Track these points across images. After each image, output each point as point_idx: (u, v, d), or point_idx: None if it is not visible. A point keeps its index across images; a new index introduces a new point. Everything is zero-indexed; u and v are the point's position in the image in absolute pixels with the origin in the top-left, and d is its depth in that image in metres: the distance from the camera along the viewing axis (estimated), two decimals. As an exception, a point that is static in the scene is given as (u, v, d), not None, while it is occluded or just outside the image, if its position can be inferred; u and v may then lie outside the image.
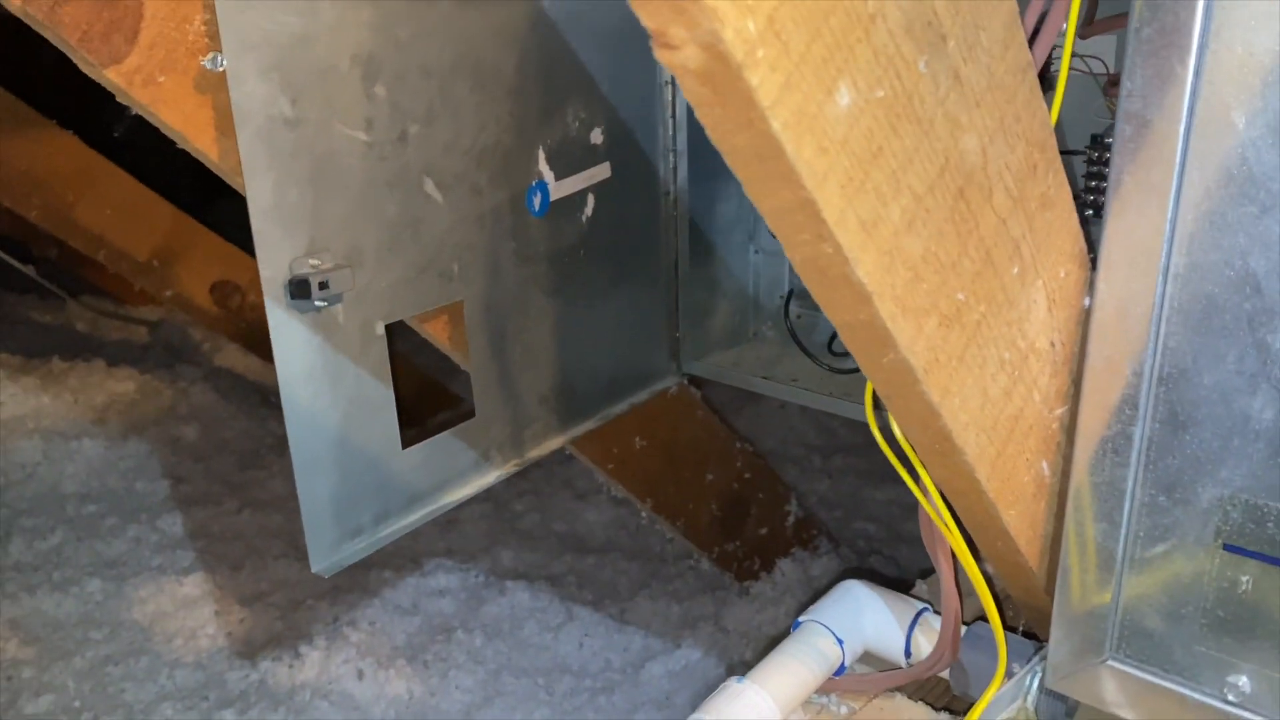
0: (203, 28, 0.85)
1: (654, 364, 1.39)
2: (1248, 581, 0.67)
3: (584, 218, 1.19)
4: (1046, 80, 0.68)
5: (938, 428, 0.62)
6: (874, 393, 0.73)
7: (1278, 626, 0.66)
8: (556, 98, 1.11)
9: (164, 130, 0.88)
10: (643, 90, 1.25)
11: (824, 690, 0.93)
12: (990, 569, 0.95)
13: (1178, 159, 0.61)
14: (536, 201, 1.11)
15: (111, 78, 0.82)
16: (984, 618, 0.85)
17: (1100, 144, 0.96)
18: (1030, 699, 0.86)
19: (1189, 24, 0.58)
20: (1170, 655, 0.71)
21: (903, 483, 0.78)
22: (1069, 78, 0.92)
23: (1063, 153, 0.68)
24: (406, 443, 1.02)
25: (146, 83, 0.84)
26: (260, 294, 0.86)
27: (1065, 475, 0.74)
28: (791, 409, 2.67)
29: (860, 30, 0.45)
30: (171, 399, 2.89)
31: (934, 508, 0.78)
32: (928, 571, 1.05)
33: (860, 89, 0.46)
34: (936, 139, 0.52)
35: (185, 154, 0.92)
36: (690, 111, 1.01)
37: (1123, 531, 0.70)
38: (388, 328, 0.97)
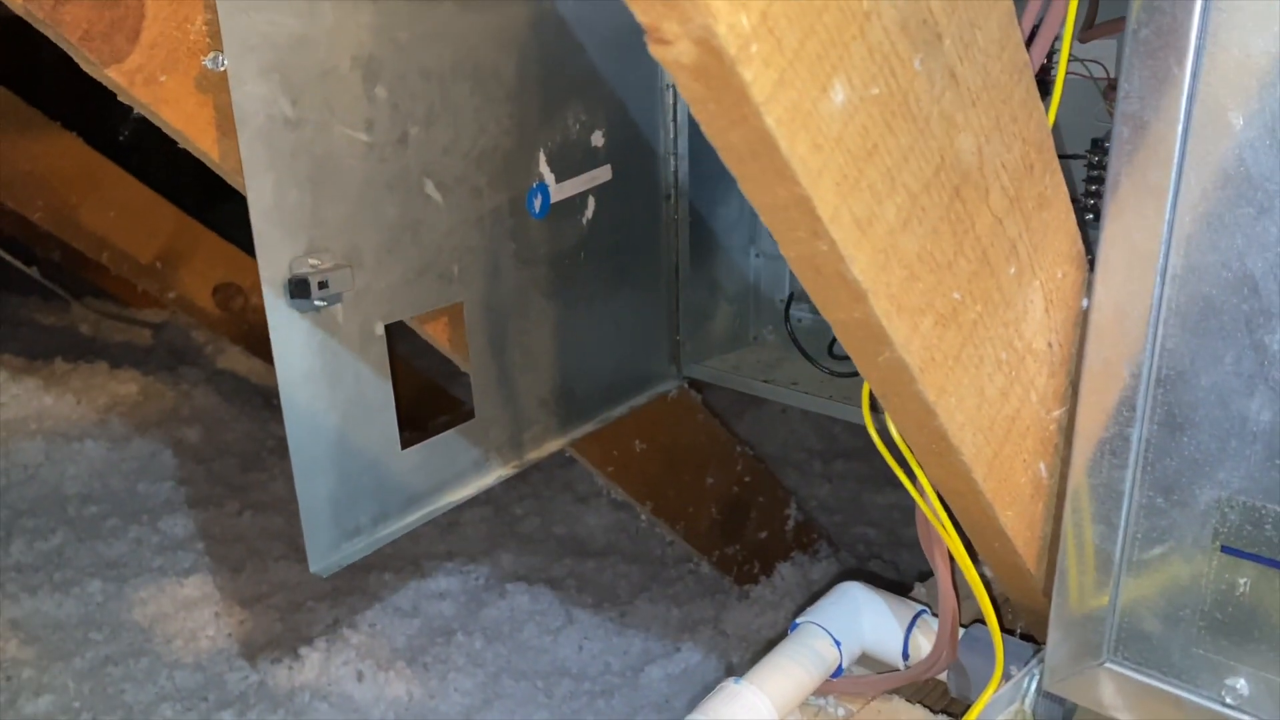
0: (204, 28, 0.85)
1: (654, 367, 1.39)
2: (1245, 584, 0.67)
3: (584, 220, 1.19)
4: (1046, 83, 0.68)
5: (934, 427, 0.62)
6: (871, 394, 0.73)
7: (1275, 629, 0.66)
8: (557, 100, 1.11)
9: (165, 130, 0.88)
10: (644, 93, 1.25)
11: (821, 692, 0.93)
12: (988, 571, 0.95)
13: (1175, 160, 0.61)
14: (537, 203, 1.11)
15: (113, 76, 0.83)
16: (982, 620, 0.85)
17: (1100, 148, 0.96)
18: (1028, 701, 0.86)
19: (1186, 25, 0.58)
20: (1168, 658, 0.71)
21: (903, 488, 0.78)
22: (1069, 82, 0.92)
23: (1062, 156, 0.68)
24: (405, 444, 1.02)
25: (148, 82, 0.84)
26: (262, 297, 0.86)
27: (1063, 477, 0.74)
28: (792, 413, 2.67)
29: (855, 27, 0.45)
30: (174, 401, 2.89)
31: (931, 509, 0.78)
32: (926, 575, 1.04)
33: (855, 86, 0.46)
34: (932, 137, 0.52)
35: (188, 156, 0.93)
36: (691, 115, 1.01)
37: (1120, 533, 0.70)
38: (387, 328, 0.97)
